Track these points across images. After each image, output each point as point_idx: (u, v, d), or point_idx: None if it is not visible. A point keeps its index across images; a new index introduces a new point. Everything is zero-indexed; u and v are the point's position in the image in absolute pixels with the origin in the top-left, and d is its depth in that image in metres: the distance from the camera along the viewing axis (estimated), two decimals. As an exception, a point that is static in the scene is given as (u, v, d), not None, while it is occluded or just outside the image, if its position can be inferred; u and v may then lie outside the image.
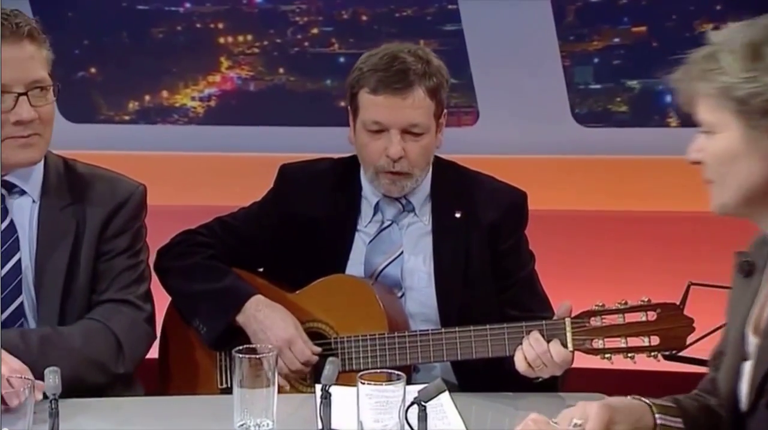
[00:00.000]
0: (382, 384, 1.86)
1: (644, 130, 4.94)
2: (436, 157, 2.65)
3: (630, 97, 4.96)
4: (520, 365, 2.32)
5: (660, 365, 2.43)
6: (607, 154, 4.92)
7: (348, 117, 2.61)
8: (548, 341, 2.33)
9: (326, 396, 1.90)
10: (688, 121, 4.41)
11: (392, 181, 2.52)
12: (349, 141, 2.61)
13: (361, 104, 2.51)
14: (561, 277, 4.11)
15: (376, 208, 2.61)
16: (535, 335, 2.33)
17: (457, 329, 2.41)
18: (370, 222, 2.62)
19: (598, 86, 4.99)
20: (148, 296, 2.42)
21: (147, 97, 5.22)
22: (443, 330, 2.43)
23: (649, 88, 4.92)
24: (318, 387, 2.02)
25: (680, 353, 2.49)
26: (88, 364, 2.25)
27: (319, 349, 2.48)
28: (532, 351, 2.31)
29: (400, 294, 2.58)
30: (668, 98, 4.83)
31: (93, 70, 5.18)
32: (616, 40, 4.91)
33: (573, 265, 4.71)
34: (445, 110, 2.58)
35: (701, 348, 2.82)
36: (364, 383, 1.86)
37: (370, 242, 2.60)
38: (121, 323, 2.32)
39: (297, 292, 2.57)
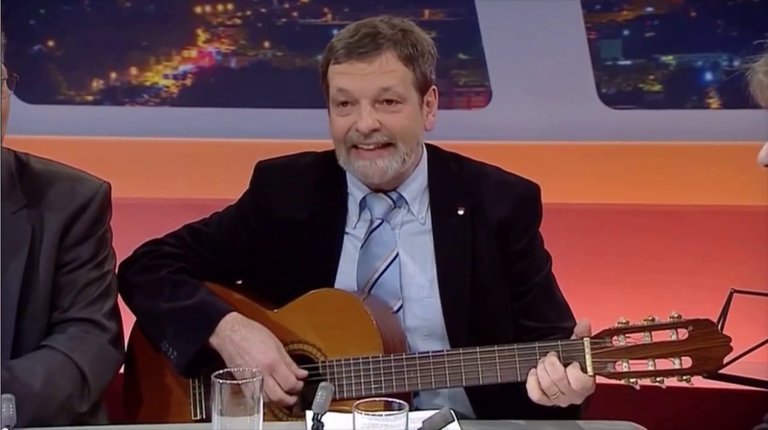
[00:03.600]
0: (381, 414, 1.85)
1: (680, 113, 4.92)
2: (434, 148, 2.63)
3: (664, 74, 4.94)
4: (533, 393, 2.31)
5: (698, 381, 2.42)
6: (637, 140, 4.91)
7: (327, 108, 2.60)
8: (566, 365, 2.32)
9: (318, 427, 1.89)
10: (730, 102, 4.37)
11: (370, 160, 2.50)
12: (330, 133, 2.60)
13: (330, 79, 2.51)
14: (584, 280, 4.10)
15: (362, 205, 2.59)
16: (551, 358, 2.31)
17: (461, 350, 2.40)
18: (358, 221, 2.60)
19: (627, 62, 4.97)
20: (114, 312, 2.41)
21: (113, 75, 5.20)
22: (445, 352, 2.42)
23: (686, 64, 4.90)
24: (309, 414, 2.01)
25: (722, 371, 2.48)
26: (50, 407, 2.25)
27: (305, 373, 2.47)
28: (547, 377, 2.30)
29: (398, 305, 2.56)
30: (708, 76, 4.82)
31: (51, 43, 5.16)
32: (649, 9, 4.89)
33: (598, 266, 4.71)
34: (434, 87, 2.57)
35: (745, 361, 2.82)
36: (360, 413, 1.85)
37: (362, 246, 2.58)
38: (87, 353, 2.31)
39: (279, 309, 2.55)
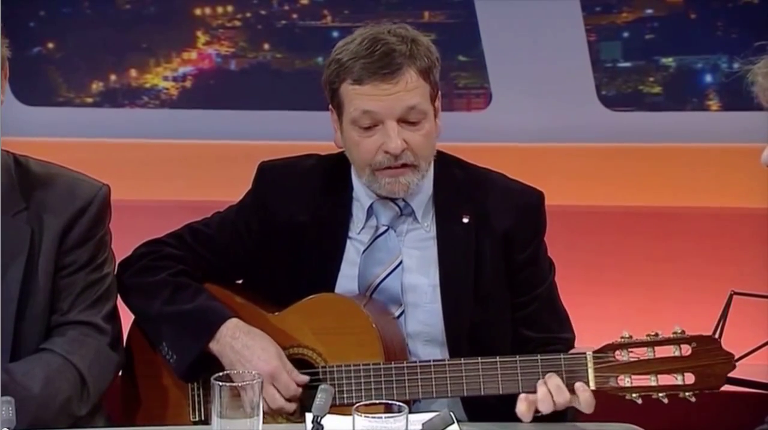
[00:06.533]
0: (381, 416, 1.85)
1: (680, 115, 4.92)
2: (439, 152, 2.63)
3: (664, 76, 4.94)
4: (524, 416, 2.30)
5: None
6: (637, 142, 4.90)
7: (331, 117, 2.59)
8: (572, 386, 2.31)
9: (318, 429, 1.89)
10: (730, 104, 4.38)
11: (395, 177, 2.50)
12: (335, 144, 2.59)
13: (345, 98, 2.49)
14: (584, 282, 4.10)
15: (370, 212, 2.59)
16: (555, 381, 2.30)
17: (462, 360, 2.40)
18: (363, 228, 2.60)
19: (627, 64, 4.97)
20: (113, 315, 2.41)
21: (112, 77, 5.20)
22: (447, 361, 2.42)
23: (686, 66, 4.90)
24: (308, 417, 2.02)
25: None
26: (49, 409, 2.25)
27: (306, 378, 2.47)
28: (550, 402, 2.29)
29: (399, 311, 2.56)
30: (708, 78, 4.82)
31: (50, 45, 5.16)
32: (649, 11, 4.89)
33: (598, 268, 4.70)
34: (439, 93, 2.57)
35: (746, 364, 2.81)
36: (360, 415, 1.85)
37: (365, 251, 2.58)
38: (86, 356, 2.31)
39: (279, 312, 2.55)
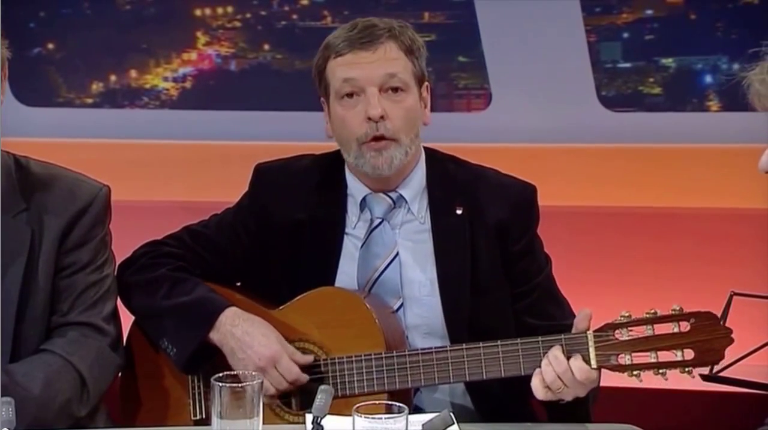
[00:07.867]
0: (381, 417, 1.86)
1: (680, 115, 4.92)
2: (432, 150, 2.66)
3: (664, 77, 4.94)
4: (537, 391, 2.32)
5: (698, 384, 2.43)
6: (637, 143, 4.90)
7: (323, 111, 2.61)
8: (568, 357, 2.34)
9: (318, 429, 1.90)
10: (730, 104, 4.40)
11: (378, 151, 2.52)
12: (326, 135, 2.62)
13: (330, 76, 2.54)
14: (583, 282, 4.10)
15: (363, 205, 2.61)
16: (554, 352, 2.33)
17: (464, 346, 2.42)
18: (358, 222, 2.62)
19: (627, 65, 4.97)
20: (113, 316, 2.42)
21: (112, 78, 5.20)
22: (448, 348, 2.44)
23: (686, 67, 4.90)
24: (308, 417, 2.02)
25: (722, 374, 2.51)
26: (49, 410, 2.26)
27: (309, 358, 2.49)
28: (551, 372, 2.32)
29: (398, 304, 2.58)
30: (708, 79, 4.82)
31: (50, 46, 5.16)
32: (649, 12, 4.89)
33: (597, 269, 4.71)
34: (427, 83, 2.60)
35: (746, 364, 2.82)
36: (360, 416, 1.86)
37: (362, 245, 2.60)
38: (86, 357, 2.32)
39: (280, 308, 2.57)
